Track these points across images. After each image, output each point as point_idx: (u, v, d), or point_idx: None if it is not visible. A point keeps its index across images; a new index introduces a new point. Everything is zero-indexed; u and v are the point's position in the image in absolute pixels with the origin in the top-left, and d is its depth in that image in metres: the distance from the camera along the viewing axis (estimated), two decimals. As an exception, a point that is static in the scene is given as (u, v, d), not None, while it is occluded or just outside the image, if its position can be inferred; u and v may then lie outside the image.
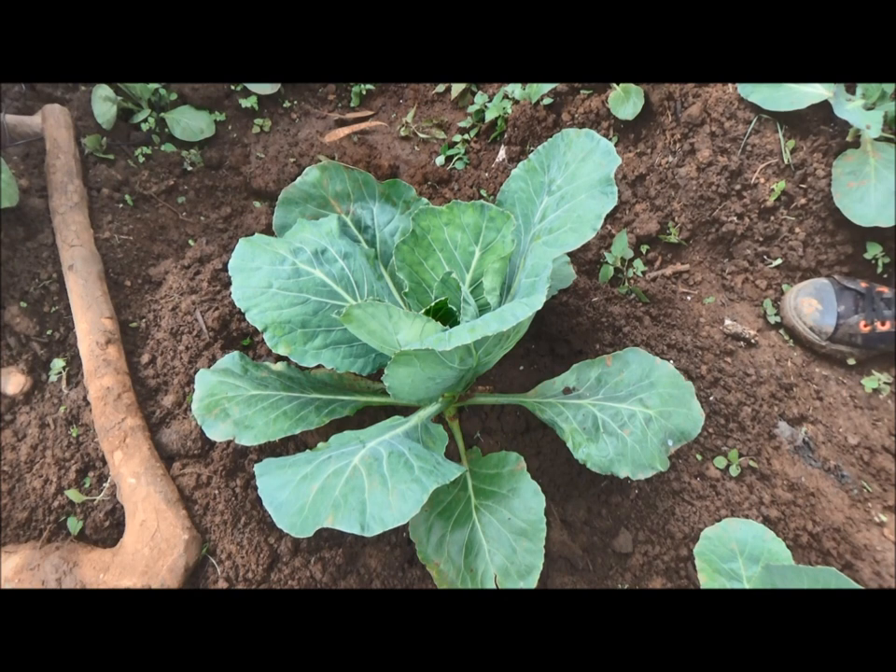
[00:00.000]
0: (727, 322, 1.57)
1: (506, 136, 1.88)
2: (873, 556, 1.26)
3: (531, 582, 1.05)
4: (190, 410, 1.21)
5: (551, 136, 1.23)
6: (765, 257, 1.64)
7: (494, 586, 1.05)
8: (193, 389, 1.18)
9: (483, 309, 1.17)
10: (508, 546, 1.08)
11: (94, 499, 1.29)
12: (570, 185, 1.12)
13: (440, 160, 1.95)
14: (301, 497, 0.90)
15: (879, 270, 1.58)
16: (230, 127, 2.00)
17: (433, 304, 1.11)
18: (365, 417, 1.36)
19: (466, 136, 1.99)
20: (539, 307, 0.91)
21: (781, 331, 1.61)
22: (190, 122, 1.90)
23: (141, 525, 1.19)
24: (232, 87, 2.05)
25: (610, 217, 1.73)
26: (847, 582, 0.78)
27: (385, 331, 1.00)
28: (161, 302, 1.52)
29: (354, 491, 0.90)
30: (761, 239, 1.63)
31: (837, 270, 1.61)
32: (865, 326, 1.50)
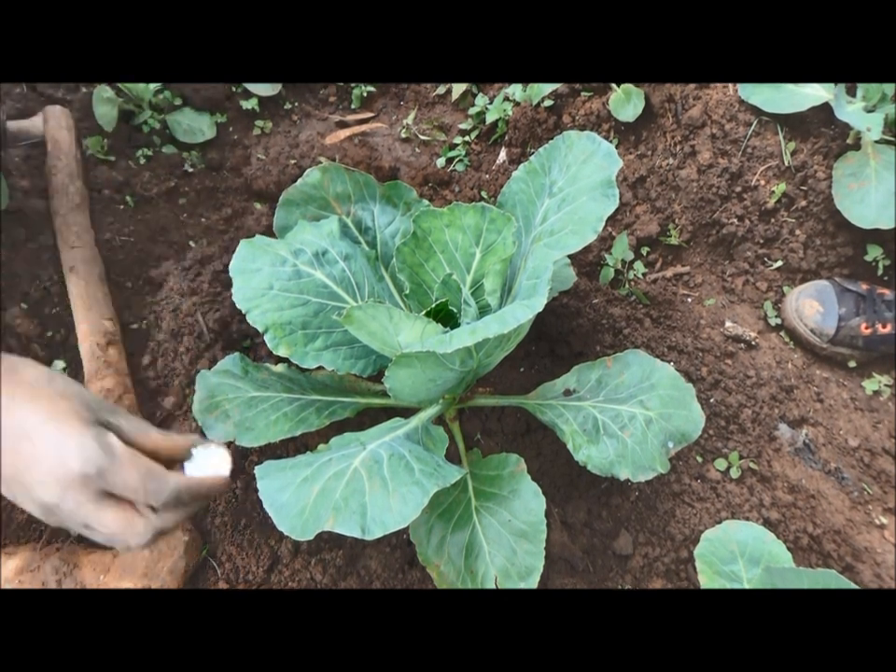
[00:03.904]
0: (728, 324, 1.57)
1: (507, 138, 1.88)
2: (873, 559, 1.26)
3: (531, 584, 1.05)
4: (191, 411, 1.21)
5: (551, 138, 1.22)
6: (766, 259, 1.64)
7: (494, 587, 1.05)
8: (194, 391, 1.18)
9: (484, 311, 1.17)
10: (508, 548, 1.08)
11: (95, 501, 1.29)
12: (572, 187, 1.12)
13: (440, 161, 1.95)
14: (301, 499, 0.90)
15: (880, 272, 1.58)
16: (231, 129, 2.00)
17: (434, 306, 1.11)
18: (365, 419, 1.35)
19: (466, 138, 1.99)
20: (540, 309, 0.91)
21: (782, 333, 1.61)
22: (192, 124, 1.91)
23: (141, 526, 1.19)
24: (233, 88, 2.05)
25: (611, 219, 1.73)
26: (847, 585, 0.78)
27: (385, 333, 1.00)
28: (162, 304, 1.52)
29: (354, 493, 0.90)
30: (761, 241, 1.63)
31: (838, 272, 1.61)
32: (866, 328, 1.50)
